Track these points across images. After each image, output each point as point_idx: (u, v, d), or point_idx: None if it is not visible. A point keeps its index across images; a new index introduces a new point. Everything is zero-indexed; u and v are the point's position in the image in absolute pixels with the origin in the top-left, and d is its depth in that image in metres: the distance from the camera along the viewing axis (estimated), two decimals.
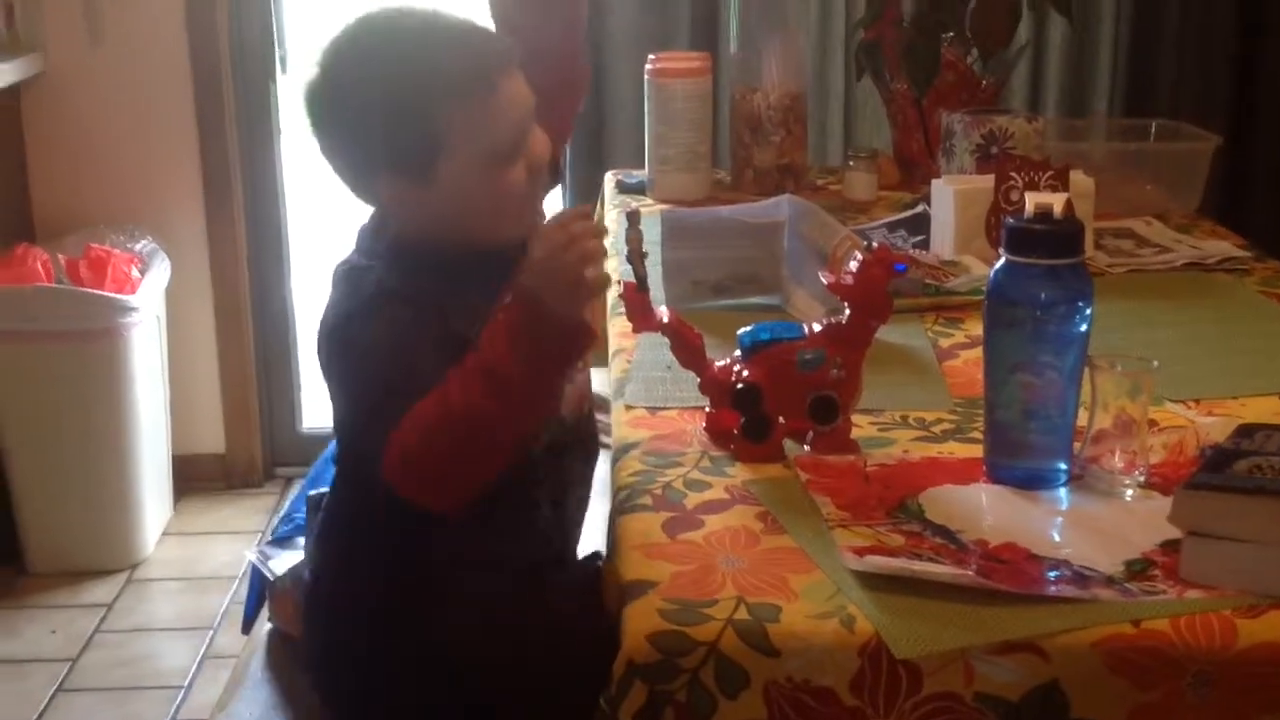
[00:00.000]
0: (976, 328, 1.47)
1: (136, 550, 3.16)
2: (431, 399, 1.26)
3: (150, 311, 3.12)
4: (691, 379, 1.47)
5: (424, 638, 1.38)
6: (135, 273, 3.11)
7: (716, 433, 1.44)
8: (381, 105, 1.33)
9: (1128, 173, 2.37)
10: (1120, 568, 1.16)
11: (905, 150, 2.56)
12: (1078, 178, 2.03)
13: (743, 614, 1.11)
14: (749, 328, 1.43)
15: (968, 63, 2.45)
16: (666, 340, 1.46)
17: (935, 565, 1.16)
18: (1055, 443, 1.30)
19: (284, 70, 3.38)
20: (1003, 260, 1.29)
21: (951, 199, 2.03)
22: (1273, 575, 1.09)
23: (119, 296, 3.00)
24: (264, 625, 1.84)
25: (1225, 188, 3.04)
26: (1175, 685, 1.07)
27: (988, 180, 2.01)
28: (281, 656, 1.77)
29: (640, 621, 1.11)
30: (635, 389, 1.59)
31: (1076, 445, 1.32)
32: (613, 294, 1.73)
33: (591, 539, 1.52)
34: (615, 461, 1.45)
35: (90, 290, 2.99)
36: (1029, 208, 1.26)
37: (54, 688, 2.68)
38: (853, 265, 1.39)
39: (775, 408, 1.40)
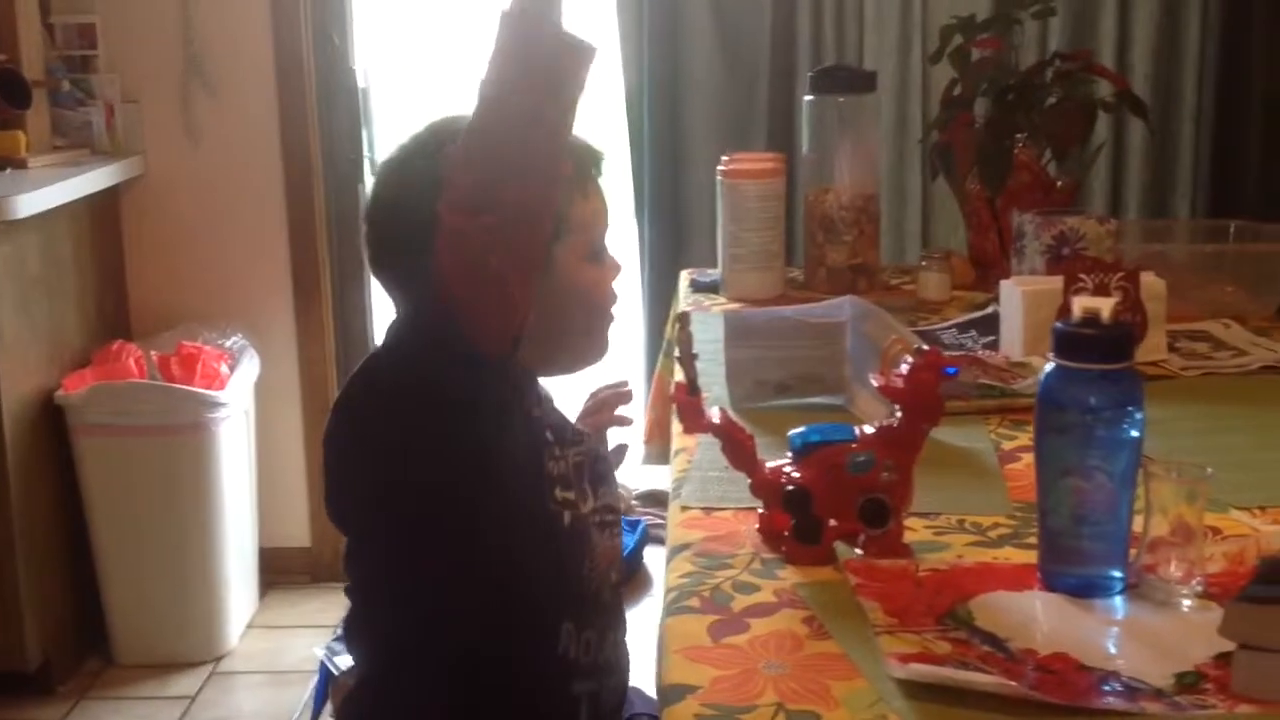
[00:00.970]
0: None
1: (221, 643, 3.20)
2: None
3: (239, 406, 3.19)
4: (747, 480, 1.47)
5: None
6: (225, 369, 3.19)
7: (769, 534, 1.44)
8: None
9: (1207, 274, 2.34)
10: (1171, 680, 1.13)
11: (980, 251, 2.56)
12: (1149, 279, 2.01)
13: None
14: (800, 429, 1.43)
15: (1042, 164, 2.45)
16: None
17: (980, 674, 1.14)
18: (1108, 550, 1.28)
19: (373, 171, 3.46)
20: (1053, 364, 1.28)
21: (1020, 300, 2.02)
22: None
23: (208, 392, 3.08)
24: None
25: None
26: None
27: (1057, 282, 1.99)
28: None
29: None
30: (691, 489, 1.59)
31: (1132, 553, 1.30)
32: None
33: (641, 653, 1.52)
34: (668, 562, 1.45)
35: (180, 386, 3.07)
36: (1076, 311, 1.26)
37: None
38: (903, 368, 1.39)
39: (826, 510, 1.39)
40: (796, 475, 1.40)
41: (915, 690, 1.12)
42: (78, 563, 3.10)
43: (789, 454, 1.43)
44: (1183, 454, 1.40)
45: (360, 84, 3.43)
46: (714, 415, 1.47)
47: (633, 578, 3.32)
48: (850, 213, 2.45)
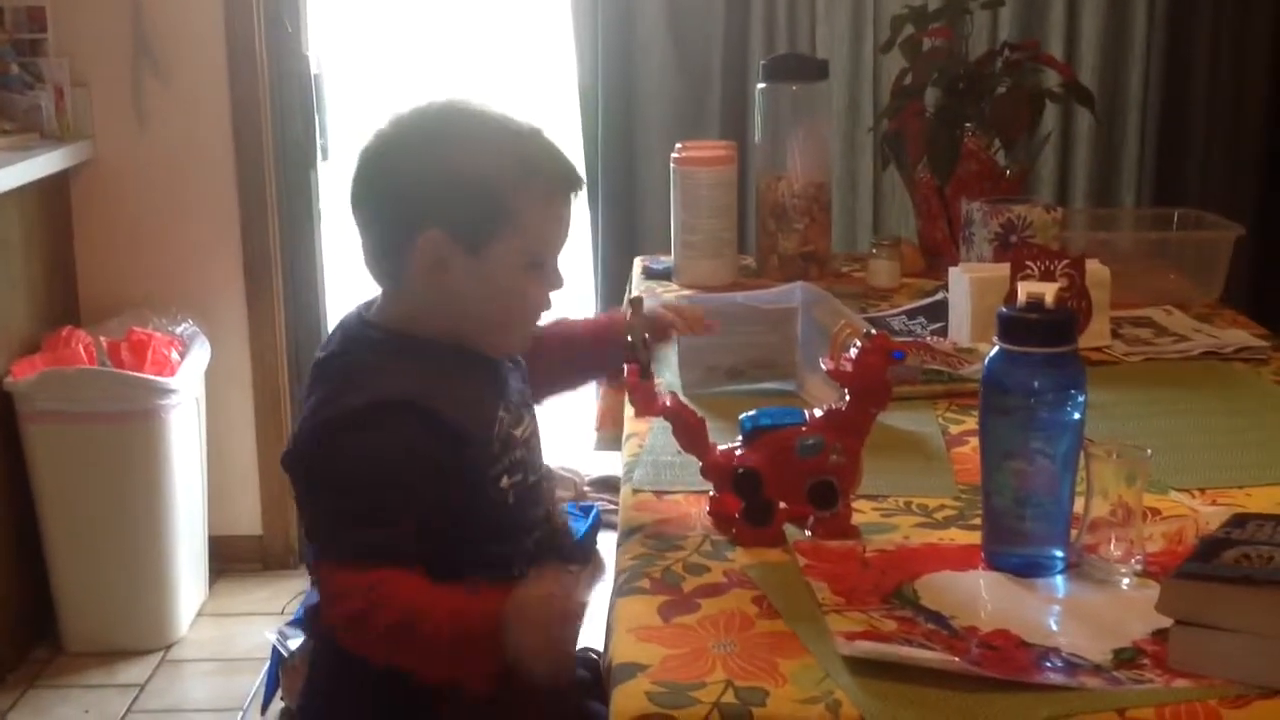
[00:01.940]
0: None
1: (171, 631, 3.19)
2: (401, 601, 1.32)
3: (189, 394, 3.17)
4: (698, 464, 1.49)
5: None
6: (175, 355, 3.17)
7: (719, 517, 1.45)
8: (475, 170, 1.40)
9: (1151, 262, 2.38)
10: (1109, 656, 1.16)
11: (930, 238, 2.58)
12: (1094, 267, 2.05)
13: (730, 697, 1.12)
14: (751, 413, 1.45)
15: (990, 152, 2.48)
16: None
17: (924, 651, 1.16)
18: (1050, 530, 1.31)
19: (324, 158, 3.46)
20: (997, 348, 1.31)
21: (968, 286, 2.05)
22: (1259, 665, 1.09)
23: (158, 379, 3.06)
24: (278, 705, 1.86)
25: (1253, 277, 3.04)
26: None
27: (1004, 269, 2.02)
28: None
29: (627, 704, 1.12)
30: (643, 473, 1.61)
31: (1074, 533, 1.33)
32: None
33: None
34: (619, 545, 1.46)
35: (130, 373, 3.05)
36: (1021, 297, 1.28)
37: None
38: (852, 352, 1.41)
39: (775, 493, 1.41)
40: (747, 458, 1.42)
41: (861, 667, 1.14)
42: (26, 550, 3.07)
43: (739, 438, 1.45)
44: (1124, 437, 1.43)
45: (313, 70, 3.41)
46: (666, 399, 1.48)
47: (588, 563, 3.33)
48: (802, 201, 2.47)
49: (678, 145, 2.50)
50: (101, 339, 3.14)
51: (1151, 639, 1.18)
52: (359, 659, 1.38)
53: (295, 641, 1.86)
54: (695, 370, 1.88)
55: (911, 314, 2.23)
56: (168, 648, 3.16)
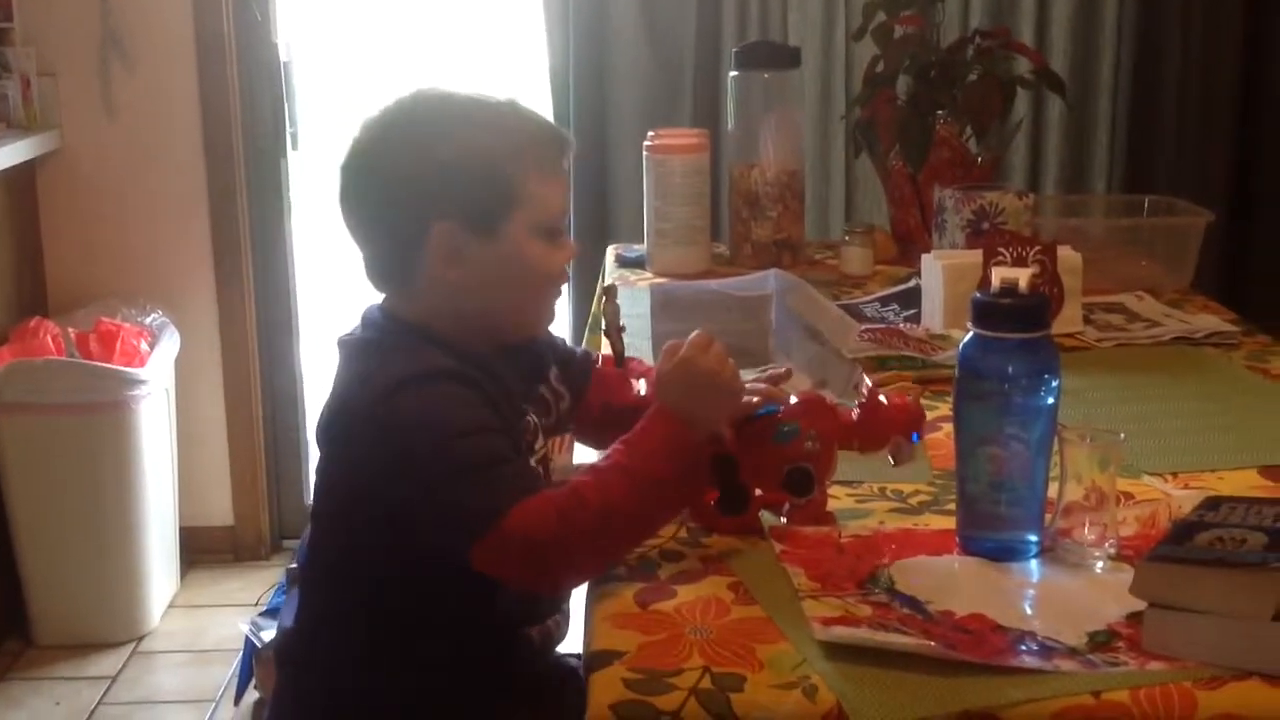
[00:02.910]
0: None
1: (142, 622, 3.17)
2: (567, 497, 1.29)
3: (159, 384, 3.15)
4: None
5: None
6: (145, 346, 3.15)
7: (696, 505, 1.45)
8: (471, 152, 1.39)
9: (1123, 248, 2.39)
10: (1084, 639, 1.16)
11: (902, 226, 2.59)
12: (1066, 253, 2.05)
13: (707, 683, 1.12)
14: None
15: (962, 140, 2.48)
16: None
17: (899, 635, 1.16)
18: (1024, 515, 1.31)
19: (294, 146, 3.43)
20: (971, 334, 1.31)
21: (940, 273, 2.05)
22: (1232, 647, 1.09)
23: (128, 370, 3.04)
24: (252, 695, 1.85)
25: (1225, 263, 3.06)
26: None
27: (977, 255, 2.03)
28: None
29: (604, 691, 1.12)
30: None
31: (1048, 518, 1.33)
32: None
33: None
34: None
35: (99, 363, 3.03)
36: (995, 282, 1.28)
37: None
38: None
39: (751, 479, 1.41)
40: (722, 445, 1.42)
41: (837, 652, 1.15)
42: None
43: None
44: (1097, 422, 1.44)
45: (282, 58, 3.39)
46: (640, 388, 1.48)
47: None
48: (775, 188, 2.47)
49: (650, 133, 2.50)
50: (70, 330, 3.12)
51: (1126, 622, 1.18)
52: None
53: (268, 632, 1.85)
54: None
55: (884, 301, 2.24)
56: (139, 639, 3.15)
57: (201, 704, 2.87)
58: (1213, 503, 1.26)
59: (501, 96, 1.45)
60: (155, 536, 3.18)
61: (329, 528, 1.47)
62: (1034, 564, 1.32)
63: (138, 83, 3.30)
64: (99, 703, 2.89)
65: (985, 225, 2.18)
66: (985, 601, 1.24)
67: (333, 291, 3.70)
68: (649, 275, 2.45)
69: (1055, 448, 1.31)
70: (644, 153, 2.47)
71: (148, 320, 3.24)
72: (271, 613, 1.92)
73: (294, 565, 1.64)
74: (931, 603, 1.24)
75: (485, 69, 3.79)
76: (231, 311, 3.42)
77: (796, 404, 1.43)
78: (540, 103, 3.27)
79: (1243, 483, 1.49)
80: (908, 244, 2.54)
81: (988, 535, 1.33)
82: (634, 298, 2.15)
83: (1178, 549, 1.16)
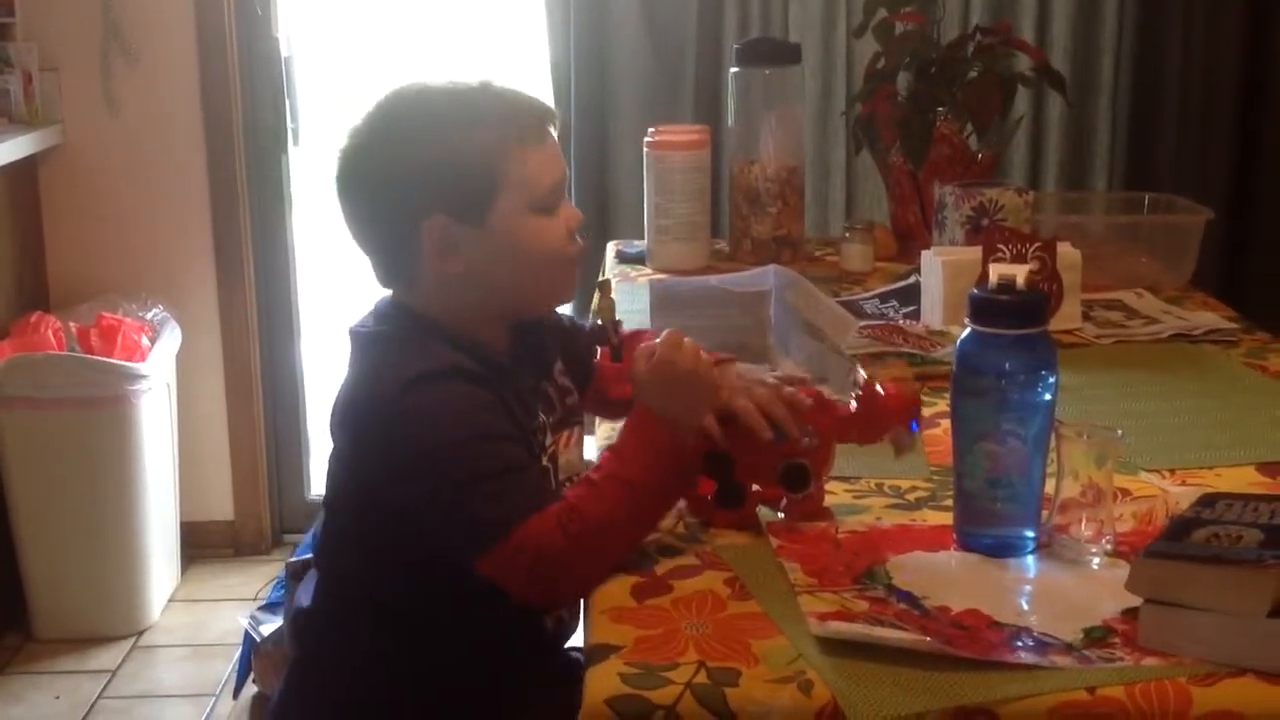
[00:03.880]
0: None
1: (143, 617, 3.18)
2: (568, 513, 1.30)
3: (160, 379, 3.16)
4: None
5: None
6: (145, 341, 3.15)
7: (693, 500, 1.46)
8: (446, 145, 1.39)
9: (1122, 245, 2.39)
10: (1080, 635, 1.16)
11: (902, 222, 2.59)
12: (1065, 250, 2.05)
13: (702, 678, 1.12)
14: None
15: (962, 137, 2.49)
16: None
17: (895, 631, 1.17)
18: (1021, 511, 1.31)
19: (295, 143, 3.43)
20: (968, 330, 1.31)
21: (940, 270, 2.05)
22: (1228, 643, 1.10)
23: (129, 364, 3.04)
24: (251, 689, 1.85)
25: (1224, 261, 3.06)
26: None
27: (976, 252, 2.03)
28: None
29: (600, 685, 1.12)
30: None
31: (1045, 514, 1.33)
32: None
33: None
34: None
35: (100, 358, 3.03)
36: (992, 279, 1.28)
37: None
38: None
39: (748, 475, 1.42)
40: (719, 441, 1.42)
41: (833, 647, 1.15)
42: None
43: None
44: (1095, 418, 1.43)
45: (283, 53, 3.39)
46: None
47: None
48: (775, 185, 2.47)
49: (651, 129, 2.50)
50: (71, 325, 3.12)
51: (1122, 618, 1.18)
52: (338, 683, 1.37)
53: (268, 627, 1.86)
54: None
55: (884, 297, 2.24)
56: (139, 634, 3.15)
57: (201, 698, 2.88)
58: (1209, 499, 1.26)
59: (474, 81, 1.45)
60: (156, 531, 3.18)
61: (340, 523, 1.48)
62: (1030, 560, 1.32)
63: (139, 78, 3.30)
64: (99, 697, 2.89)
65: (985, 222, 2.18)
66: (981, 597, 1.24)
67: (334, 286, 3.70)
68: (649, 271, 2.46)
69: (1052, 444, 1.31)
70: (644, 149, 2.47)
71: (149, 315, 3.25)
72: (271, 607, 1.92)
73: (294, 560, 1.65)
74: (928, 598, 1.24)
75: (486, 64, 3.79)
76: (232, 306, 3.42)
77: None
78: (541, 98, 3.27)
79: (1240, 479, 1.50)
80: (908, 240, 2.54)
81: (985, 531, 1.33)
82: (634, 293, 2.15)
83: (1174, 545, 1.16)
